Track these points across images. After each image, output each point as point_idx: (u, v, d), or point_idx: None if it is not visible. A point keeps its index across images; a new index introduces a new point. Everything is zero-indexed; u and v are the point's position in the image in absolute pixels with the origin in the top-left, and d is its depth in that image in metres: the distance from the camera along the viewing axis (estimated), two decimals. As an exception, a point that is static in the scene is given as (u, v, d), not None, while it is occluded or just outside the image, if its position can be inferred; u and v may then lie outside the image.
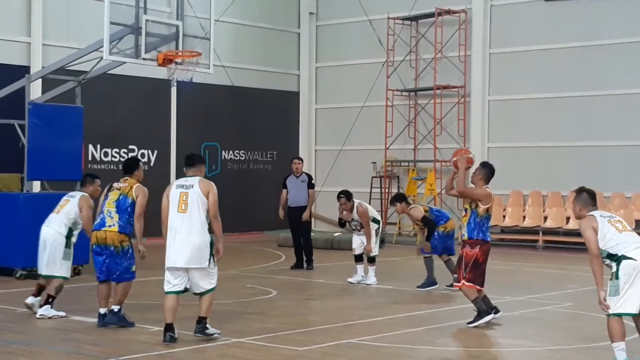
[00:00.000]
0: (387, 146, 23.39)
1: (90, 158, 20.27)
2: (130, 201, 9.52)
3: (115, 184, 9.72)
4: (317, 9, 25.42)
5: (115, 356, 8.16)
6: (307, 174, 15.91)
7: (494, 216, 21.30)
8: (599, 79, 20.74)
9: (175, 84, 14.93)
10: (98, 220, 9.63)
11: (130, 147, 21.31)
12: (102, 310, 9.67)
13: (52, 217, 10.53)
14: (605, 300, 7.47)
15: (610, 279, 7.52)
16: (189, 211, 8.79)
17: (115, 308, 9.64)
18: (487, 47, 22.37)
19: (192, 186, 8.88)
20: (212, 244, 8.94)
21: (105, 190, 9.82)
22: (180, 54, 14.02)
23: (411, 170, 22.91)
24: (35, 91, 16.86)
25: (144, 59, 13.85)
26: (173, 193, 8.91)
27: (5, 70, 18.25)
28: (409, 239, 21.84)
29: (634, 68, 20.30)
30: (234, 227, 23.35)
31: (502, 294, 12.60)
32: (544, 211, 20.95)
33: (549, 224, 20.61)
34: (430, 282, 13.08)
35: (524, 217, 21.16)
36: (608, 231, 7.53)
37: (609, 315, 7.49)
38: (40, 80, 17.26)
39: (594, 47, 20.81)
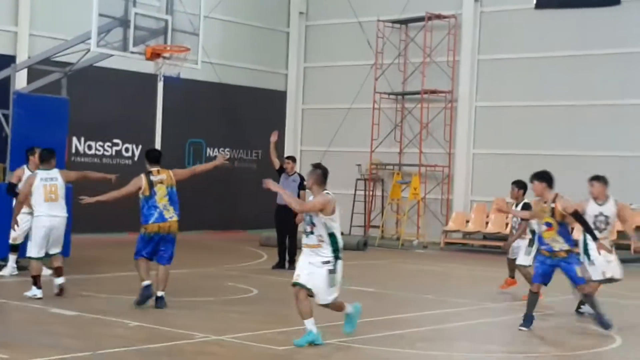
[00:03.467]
0: (373, 149, 23.37)
1: (73, 150, 20.14)
2: (176, 190, 10.56)
3: (153, 178, 10.40)
4: (307, 8, 25.38)
5: (93, 350, 8.06)
6: (299, 174, 15.72)
7: (478, 223, 21.40)
8: (587, 88, 20.81)
9: (162, 79, 14.84)
10: (156, 215, 10.30)
11: (115, 140, 21.20)
12: (148, 282, 10.43)
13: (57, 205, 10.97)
14: None
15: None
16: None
17: (162, 294, 10.44)
18: (476, 53, 22.40)
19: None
20: None
21: (144, 184, 10.36)
22: (168, 48, 13.92)
23: (396, 173, 22.90)
24: (20, 81, 16.70)
25: (131, 52, 13.75)
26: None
27: (-10, 59, 18.10)
28: (392, 242, 21.84)
29: (622, 78, 20.38)
30: (216, 225, 23.30)
31: (483, 300, 12.59)
32: (527, 219, 20.94)
33: (532, 231, 20.61)
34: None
35: (507, 225, 21.15)
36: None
37: None
38: (26, 70, 17.13)
39: (583, 57, 20.87)
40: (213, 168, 11.18)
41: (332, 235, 8.50)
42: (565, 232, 10.06)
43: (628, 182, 19.98)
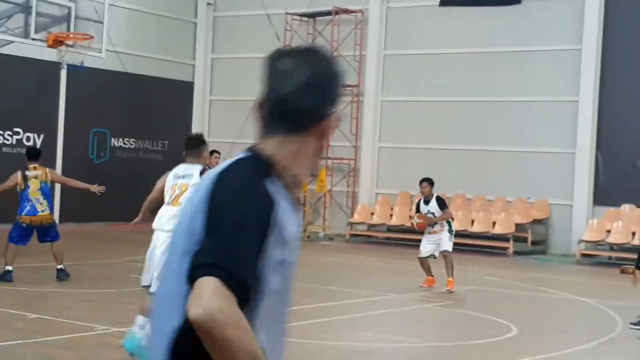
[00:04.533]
0: (280, 141, 23.40)
1: (-28, 139, 19.55)
2: (50, 185, 11.65)
3: (28, 173, 11.45)
4: (215, -1, 25.24)
5: (-11, 343, 7.88)
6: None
7: (382, 215, 21.71)
8: (490, 84, 21.32)
9: (65, 67, 14.57)
10: (28, 208, 11.33)
11: (16, 129, 20.64)
12: (10, 267, 11.29)
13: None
14: None
15: None
16: None
17: (62, 267, 11.57)
18: (382, 48, 22.68)
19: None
20: None
21: (19, 179, 11.44)
22: (71, 36, 13.68)
23: (303, 166, 22.97)
24: None
25: (33, 39, 13.46)
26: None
27: None
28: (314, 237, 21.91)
29: (523, 76, 20.94)
30: (121, 217, 22.91)
31: (386, 291, 12.80)
32: (430, 212, 21.34)
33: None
34: None
35: (411, 217, 21.51)
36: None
37: None
38: None
39: (486, 54, 21.37)
40: (85, 189, 12.03)
41: None
42: None
43: (529, 177, 20.62)
